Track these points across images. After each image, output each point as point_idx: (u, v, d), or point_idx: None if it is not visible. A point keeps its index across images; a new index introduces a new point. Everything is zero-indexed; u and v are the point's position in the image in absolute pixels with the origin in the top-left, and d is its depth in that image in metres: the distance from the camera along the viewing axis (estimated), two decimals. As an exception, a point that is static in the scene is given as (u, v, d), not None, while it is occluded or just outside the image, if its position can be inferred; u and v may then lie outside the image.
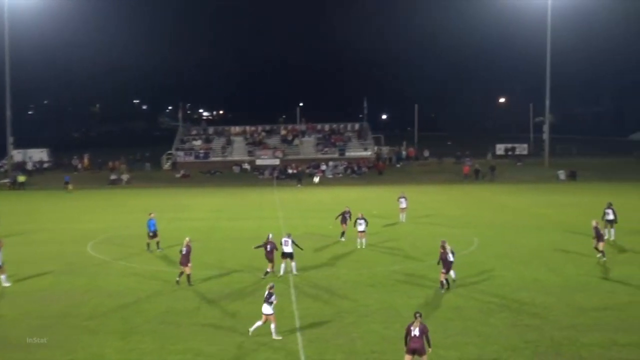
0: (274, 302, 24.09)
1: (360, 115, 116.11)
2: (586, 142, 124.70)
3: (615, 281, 31.33)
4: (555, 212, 55.10)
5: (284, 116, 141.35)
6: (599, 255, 35.63)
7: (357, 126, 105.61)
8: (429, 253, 37.68)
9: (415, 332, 19.94)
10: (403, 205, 50.47)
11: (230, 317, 26.54)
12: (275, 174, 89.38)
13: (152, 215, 40.37)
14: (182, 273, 31.62)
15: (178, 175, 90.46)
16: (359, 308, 27.44)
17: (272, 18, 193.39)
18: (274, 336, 23.85)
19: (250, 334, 23.98)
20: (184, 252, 31.37)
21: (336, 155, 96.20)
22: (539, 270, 33.89)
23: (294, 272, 33.39)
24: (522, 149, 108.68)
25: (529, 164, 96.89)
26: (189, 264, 31.46)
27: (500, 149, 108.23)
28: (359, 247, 40.00)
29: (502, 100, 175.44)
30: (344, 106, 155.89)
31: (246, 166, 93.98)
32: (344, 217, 42.81)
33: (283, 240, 33.44)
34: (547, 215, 53.17)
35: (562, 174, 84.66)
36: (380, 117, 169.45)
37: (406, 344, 20.20)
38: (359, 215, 40.36)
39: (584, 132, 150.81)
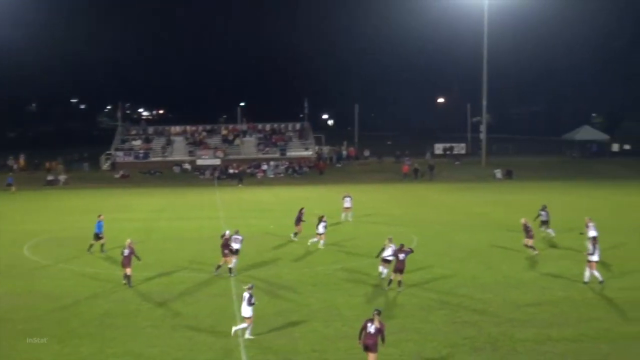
0: (255, 303, 23.98)
1: (301, 115, 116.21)
2: (522, 142, 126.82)
3: (549, 277, 32.09)
4: (492, 210, 56.04)
5: (224, 116, 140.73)
6: (535, 252, 36.75)
7: (298, 126, 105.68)
8: (370, 251, 37.99)
9: (371, 329, 20.34)
10: (347, 204, 50.65)
11: (170, 318, 26.44)
12: (216, 174, 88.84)
13: (101, 217, 39.87)
14: (126, 275, 31.46)
15: (117, 176, 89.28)
16: (300, 307, 27.58)
17: (212, 17, 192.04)
18: (248, 335, 23.82)
19: (252, 337, 23.82)
20: (125, 254, 31.18)
21: (277, 155, 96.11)
22: (477, 267, 34.52)
23: (232, 265, 33.59)
24: (460, 148, 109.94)
25: (467, 163, 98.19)
26: (131, 265, 31.38)
27: (438, 148, 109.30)
28: (309, 244, 39.90)
29: (440, 100, 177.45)
30: (285, 106, 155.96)
31: (187, 166, 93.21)
32: (299, 219, 42.58)
33: (233, 237, 33.61)
34: (485, 214, 54.05)
35: (498, 173, 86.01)
36: (321, 116, 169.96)
37: (360, 338, 20.58)
38: (322, 218, 40.24)
39: (520, 131, 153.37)
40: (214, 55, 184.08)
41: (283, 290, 30.39)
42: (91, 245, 39.24)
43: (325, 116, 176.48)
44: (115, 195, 71.85)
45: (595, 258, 30.52)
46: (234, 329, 24.05)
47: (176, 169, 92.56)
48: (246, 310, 23.70)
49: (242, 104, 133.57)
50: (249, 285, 24.65)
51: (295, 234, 42.45)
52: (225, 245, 33.04)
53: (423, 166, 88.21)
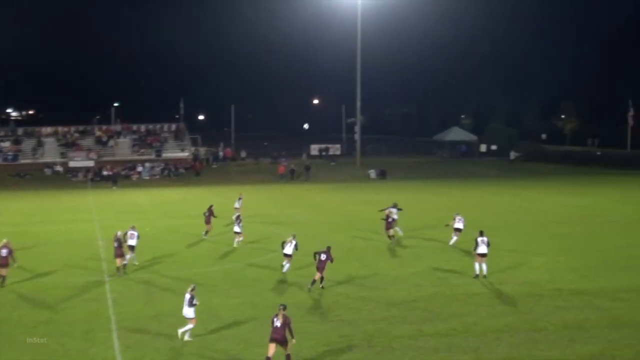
0: (197, 304, 23.86)
1: (177, 116, 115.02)
2: (395, 142, 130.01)
3: (422, 274, 33.12)
4: (366, 209, 57.00)
5: (98, 117, 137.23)
6: (391, 241, 40.25)
7: (173, 127, 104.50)
8: (247, 253, 38.29)
9: (277, 323, 20.90)
10: (237, 205, 50.80)
11: (44, 325, 25.74)
12: (90, 175, 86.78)
13: None
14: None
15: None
16: (177, 310, 27.29)
17: (85, 14, 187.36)
18: (187, 337, 23.68)
19: (191, 339, 23.68)
20: (3, 254, 30.49)
21: (153, 156, 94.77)
22: (353, 265, 35.19)
23: (135, 262, 34.87)
24: (335, 149, 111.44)
25: (342, 163, 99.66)
26: (8, 266, 30.89)
27: (314, 149, 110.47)
28: (235, 245, 40.22)
29: (316, 101, 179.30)
30: (160, 106, 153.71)
31: (58, 168, 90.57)
32: (209, 216, 43.14)
33: (129, 233, 34.46)
34: (359, 213, 55.02)
35: (372, 173, 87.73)
36: (197, 117, 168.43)
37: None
38: (238, 217, 41.04)
39: (393, 132, 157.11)
40: (86, 53, 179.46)
41: (160, 292, 30.14)
42: None
43: (201, 117, 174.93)
44: (-18, 199, 69.09)
45: (479, 251, 32.09)
46: (179, 330, 23.89)
47: (47, 171, 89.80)
48: (188, 311, 23.72)
49: (116, 104, 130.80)
50: (192, 286, 24.50)
51: (207, 232, 43.00)
52: (120, 245, 33.24)
53: (299, 167, 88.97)
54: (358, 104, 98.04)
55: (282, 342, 20.84)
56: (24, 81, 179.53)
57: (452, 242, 39.64)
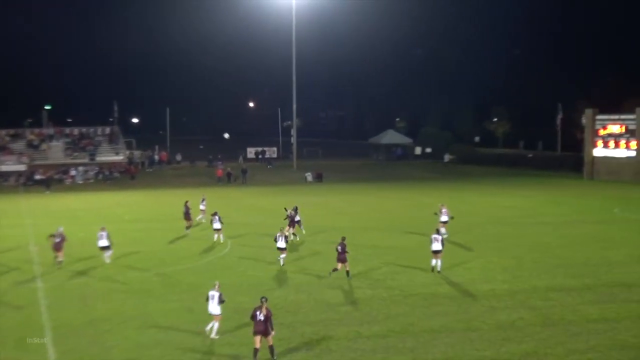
0: (225, 300, 24.46)
1: (111, 119, 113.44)
2: (330, 145, 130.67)
3: (359, 277, 33.29)
4: (302, 212, 57.07)
5: (30, 120, 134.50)
6: (295, 238, 42.42)
7: (107, 130, 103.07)
8: (183, 257, 38.05)
9: (260, 316, 21.93)
10: (202, 207, 51.48)
11: (-26, 333, 25.25)
12: (22, 180, 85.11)
13: None
14: None
15: None
16: (113, 316, 27.11)
17: (13, 15, 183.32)
18: (214, 335, 24.05)
19: (217, 337, 24.09)
20: None
21: (86, 160, 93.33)
22: (290, 269, 35.21)
23: (108, 261, 35.90)
24: (272, 152, 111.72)
25: (279, 166, 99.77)
26: None
27: (251, 152, 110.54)
28: (215, 240, 41.60)
29: (252, 104, 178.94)
30: (93, 109, 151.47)
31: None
32: (187, 212, 45.12)
33: (98, 234, 36.11)
34: (296, 216, 55.06)
35: (309, 176, 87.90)
36: (131, 120, 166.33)
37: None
38: (216, 213, 41.96)
39: (329, 135, 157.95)
40: (17, 55, 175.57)
41: (94, 298, 29.72)
42: None
43: (135, 120, 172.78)
44: None
45: (432, 248, 33.41)
46: (206, 328, 24.27)
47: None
48: (216, 309, 24.17)
49: (47, 107, 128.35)
50: (216, 283, 24.99)
51: (188, 227, 44.78)
52: (60, 241, 34.87)
53: (236, 170, 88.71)
54: (294, 107, 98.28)
55: (265, 334, 21.88)
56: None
57: (444, 234, 38.93)
